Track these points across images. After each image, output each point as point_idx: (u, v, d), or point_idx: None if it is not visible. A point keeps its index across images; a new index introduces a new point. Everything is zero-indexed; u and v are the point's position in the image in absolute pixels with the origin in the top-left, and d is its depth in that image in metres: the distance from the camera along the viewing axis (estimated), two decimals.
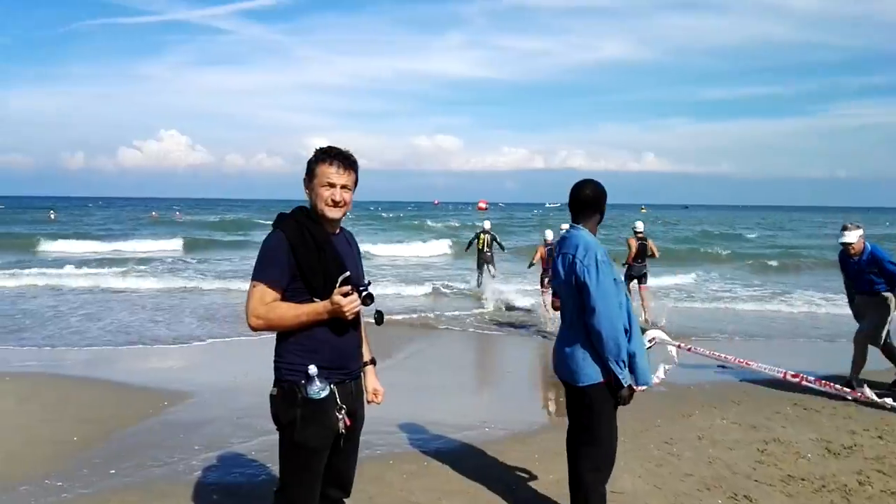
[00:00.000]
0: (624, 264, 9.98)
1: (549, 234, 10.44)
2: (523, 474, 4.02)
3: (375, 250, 24.01)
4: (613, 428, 3.08)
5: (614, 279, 2.94)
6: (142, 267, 17.75)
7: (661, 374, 5.43)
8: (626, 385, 2.90)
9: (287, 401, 2.31)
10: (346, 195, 2.38)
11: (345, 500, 2.59)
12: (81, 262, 17.98)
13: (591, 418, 3.03)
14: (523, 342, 8.94)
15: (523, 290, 12.16)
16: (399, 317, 10.14)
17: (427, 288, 13.88)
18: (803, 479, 3.92)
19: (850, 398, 5.61)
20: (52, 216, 47.69)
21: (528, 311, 10.93)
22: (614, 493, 3.48)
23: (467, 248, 14.87)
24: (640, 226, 10.40)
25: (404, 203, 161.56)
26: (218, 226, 39.19)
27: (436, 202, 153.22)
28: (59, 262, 17.87)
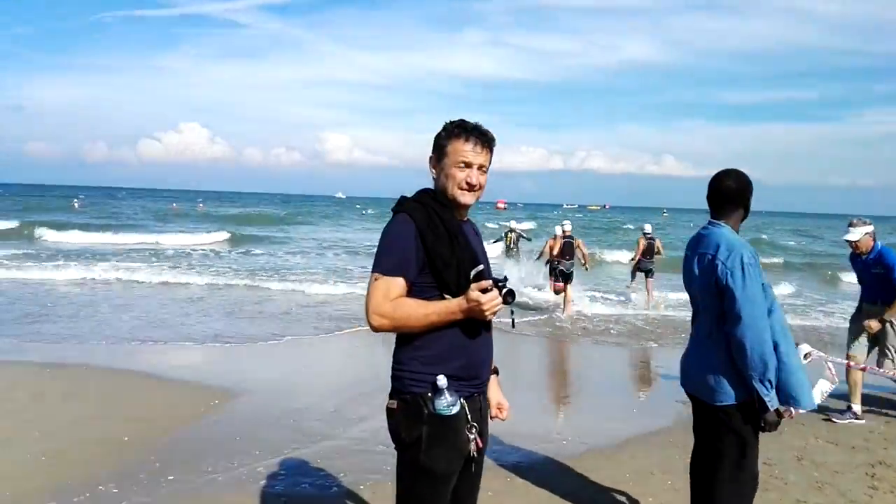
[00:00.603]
0: (631, 259, 12.49)
1: (560, 228, 10.93)
2: (620, 497, 3.64)
3: None
4: (755, 453, 2.69)
5: (763, 284, 2.56)
6: (185, 260, 16.76)
7: (817, 397, 4.31)
8: (772, 408, 2.51)
9: (410, 416, 1.96)
10: (482, 178, 2.04)
11: None
12: (124, 255, 16.96)
13: (726, 442, 2.65)
14: (579, 348, 8.54)
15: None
16: None
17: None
18: None
19: None
20: (76, 205, 48.13)
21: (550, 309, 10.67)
22: None
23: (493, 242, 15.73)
24: (648, 228, 12.33)
25: None
26: (254, 219, 37.74)
27: None
28: (100, 255, 16.71)
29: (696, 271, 2.66)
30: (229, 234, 24.64)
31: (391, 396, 2.02)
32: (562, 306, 10.35)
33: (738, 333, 2.48)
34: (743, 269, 2.50)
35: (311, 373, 6.50)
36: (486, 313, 1.91)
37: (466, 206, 2.06)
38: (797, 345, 3.18)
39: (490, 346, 2.11)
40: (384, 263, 1.96)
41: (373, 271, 1.97)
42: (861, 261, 5.25)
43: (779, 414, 2.55)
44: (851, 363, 5.12)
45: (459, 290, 1.95)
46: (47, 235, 22.28)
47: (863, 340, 5.24)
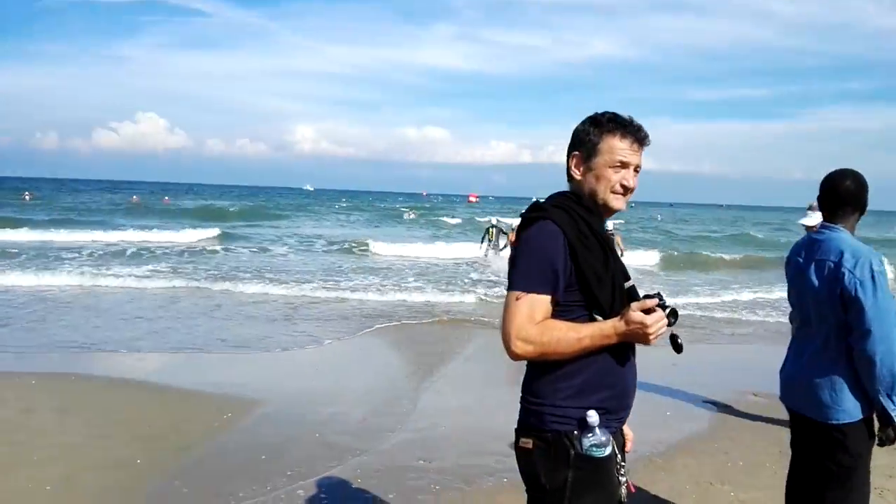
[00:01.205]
0: None
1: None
2: None
3: (415, 250, 19.38)
4: (868, 472, 2.52)
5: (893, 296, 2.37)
6: (174, 259, 15.24)
7: None
8: None
9: (553, 458, 1.68)
10: (636, 180, 1.78)
11: None
12: (108, 255, 15.26)
13: (839, 461, 2.46)
14: None
15: None
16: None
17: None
18: None
19: None
20: (27, 198, 45.70)
21: None
22: None
23: (482, 242, 17.54)
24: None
25: (393, 194, 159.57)
26: (237, 215, 34.93)
27: (424, 193, 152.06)
28: (56, 255, 15.49)
29: (815, 279, 2.44)
30: (219, 231, 22.47)
31: (524, 434, 1.74)
32: None
33: (868, 348, 2.28)
34: (873, 278, 2.29)
35: (326, 380, 6.06)
36: (651, 337, 1.65)
37: (617, 212, 1.81)
38: None
39: (636, 372, 1.85)
40: (528, 279, 1.67)
41: (512, 288, 1.69)
42: None
43: None
44: None
45: (612, 309, 1.69)
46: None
47: None
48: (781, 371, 2.69)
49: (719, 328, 9.24)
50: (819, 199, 2.54)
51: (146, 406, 4.97)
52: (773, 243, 28.57)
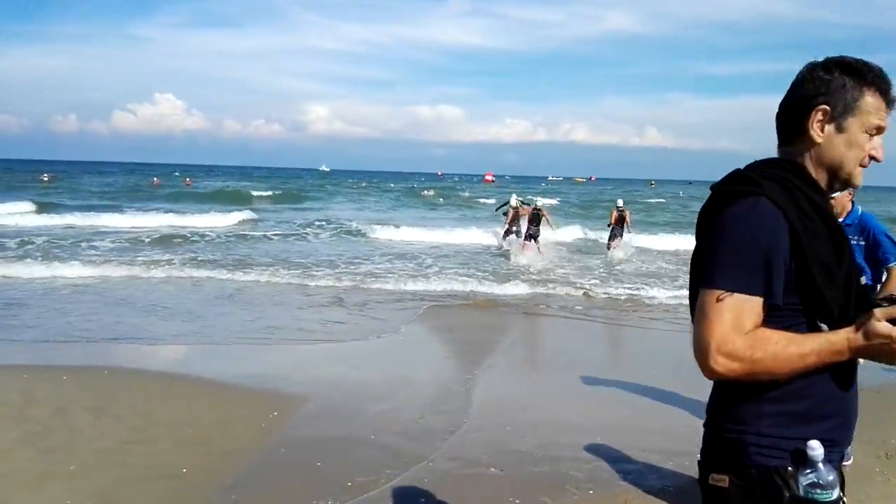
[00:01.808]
0: (608, 225, 15.30)
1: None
2: None
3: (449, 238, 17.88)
4: None
5: None
6: (208, 245, 15.24)
7: None
8: None
9: (759, 500, 1.27)
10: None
11: None
12: (142, 241, 14.95)
13: None
14: (659, 335, 7.90)
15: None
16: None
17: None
18: None
19: None
20: (46, 179, 45.92)
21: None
22: None
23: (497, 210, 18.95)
24: (620, 202, 15.70)
25: (410, 174, 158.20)
26: (265, 199, 34.68)
27: (440, 173, 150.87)
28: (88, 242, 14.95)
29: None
30: (248, 215, 22.26)
31: (716, 468, 1.33)
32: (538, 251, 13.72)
33: None
34: None
35: (369, 372, 5.61)
36: None
37: (846, 189, 1.36)
38: None
39: (857, 395, 1.41)
40: (734, 275, 1.24)
41: (713, 286, 1.26)
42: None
43: None
44: None
45: (843, 316, 1.26)
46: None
47: None
48: None
49: None
50: None
51: (187, 404, 4.61)
52: None
